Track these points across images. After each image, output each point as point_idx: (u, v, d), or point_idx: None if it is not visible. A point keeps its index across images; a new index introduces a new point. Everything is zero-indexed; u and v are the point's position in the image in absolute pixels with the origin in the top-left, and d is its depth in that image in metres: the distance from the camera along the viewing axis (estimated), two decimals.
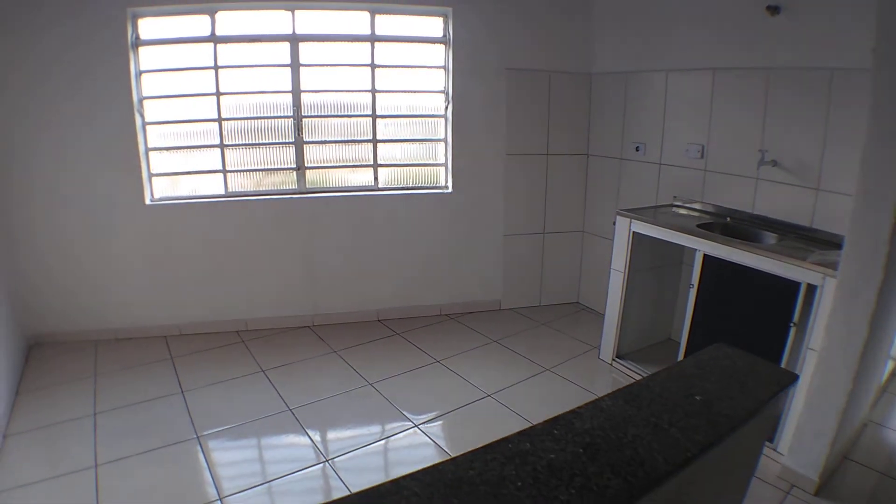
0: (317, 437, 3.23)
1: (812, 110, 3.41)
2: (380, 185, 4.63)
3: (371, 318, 4.75)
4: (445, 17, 4.43)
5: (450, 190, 4.72)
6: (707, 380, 1.44)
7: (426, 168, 4.76)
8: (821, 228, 3.34)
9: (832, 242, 3.14)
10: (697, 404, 1.31)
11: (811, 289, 2.86)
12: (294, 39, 4.19)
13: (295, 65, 4.24)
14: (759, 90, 3.68)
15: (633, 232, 3.75)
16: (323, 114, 4.42)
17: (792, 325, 2.96)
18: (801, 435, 2.93)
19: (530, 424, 1.21)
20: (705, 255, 3.32)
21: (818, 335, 2.84)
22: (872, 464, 3.17)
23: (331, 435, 3.29)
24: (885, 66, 2.52)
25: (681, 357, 3.51)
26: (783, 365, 3.01)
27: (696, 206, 4.04)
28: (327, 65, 4.35)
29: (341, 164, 4.56)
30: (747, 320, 3.24)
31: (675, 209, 4.08)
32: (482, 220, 4.83)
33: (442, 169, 4.76)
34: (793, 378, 1.50)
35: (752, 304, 3.20)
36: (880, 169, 2.56)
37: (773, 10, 3.50)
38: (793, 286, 2.92)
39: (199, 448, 3.08)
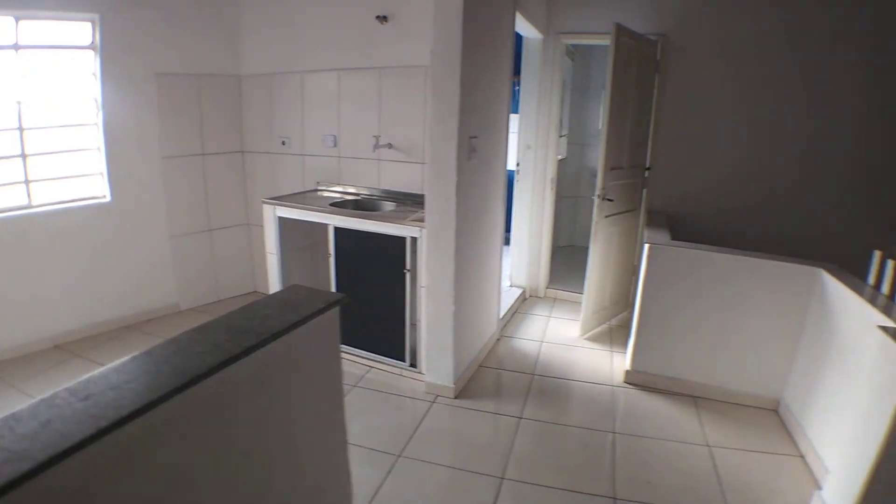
0: None
1: (414, 100, 4.17)
2: (34, 203, 4.30)
3: (48, 346, 4.41)
4: (94, 22, 4.29)
5: (109, 199, 4.61)
6: (269, 309, 1.89)
7: (83, 179, 4.55)
8: None
9: None
10: (253, 325, 1.75)
11: (414, 240, 3.58)
12: None
13: None
14: (373, 86, 4.37)
15: (278, 216, 4.18)
16: None
17: (406, 271, 3.68)
18: (431, 355, 3.70)
19: None
20: (336, 228, 3.89)
21: (424, 275, 3.57)
22: (502, 366, 4.23)
23: None
24: (438, 63, 3.26)
25: None
26: (407, 303, 3.75)
27: (337, 188, 4.63)
28: None
29: None
30: (376, 274, 3.87)
31: (319, 193, 4.63)
32: (146, 226, 4.83)
33: (99, 178, 4.60)
34: (339, 298, 2.02)
35: (377, 260, 3.83)
36: (441, 139, 3.31)
37: (382, 18, 4.21)
38: (401, 241, 3.63)
39: None
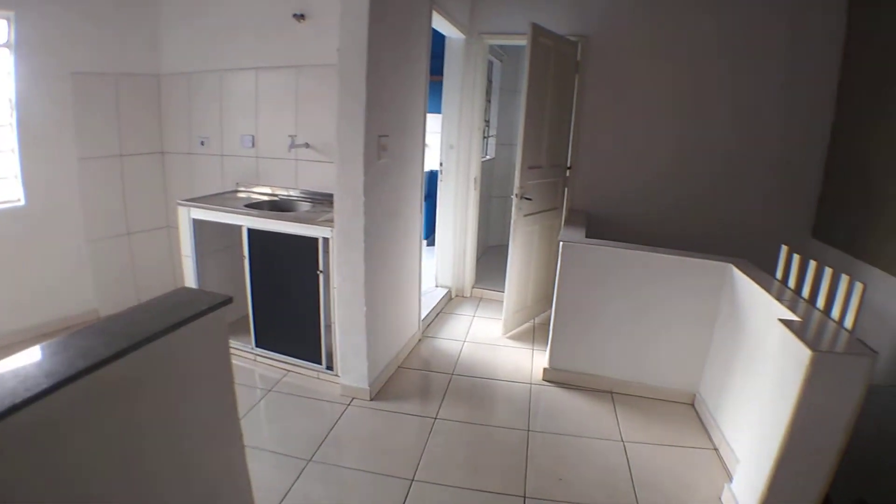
0: None
1: (331, 99, 4.02)
2: None
3: None
4: (9, 20, 4.12)
5: (23, 203, 4.42)
6: (148, 312, 1.86)
7: None
8: None
9: None
10: (130, 329, 1.71)
11: (326, 241, 3.56)
12: None
13: None
14: (291, 85, 4.33)
15: (193, 218, 4.08)
16: None
17: (320, 272, 3.64)
18: (345, 357, 3.68)
19: None
20: (249, 229, 3.83)
21: (336, 276, 3.54)
22: (422, 367, 4.23)
23: None
24: (345, 60, 3.24)
25: (251, 321, 4.03)
26: (321, 305, 3.73)
27: (256, 189, 4.57)
28: None
29: None
30: (292, 276, 3.83)
31: (238, 194, 4.55)
32: (63, 230, 4.66)
33: (13, 181, 4.40)
34: (224, 299, 1.99)
35: (291, 262, 3.79)
36: (348, 138, 3.29)
37: (300, 17, 4.18)
38: (314, 241, 3.61)
39: None
